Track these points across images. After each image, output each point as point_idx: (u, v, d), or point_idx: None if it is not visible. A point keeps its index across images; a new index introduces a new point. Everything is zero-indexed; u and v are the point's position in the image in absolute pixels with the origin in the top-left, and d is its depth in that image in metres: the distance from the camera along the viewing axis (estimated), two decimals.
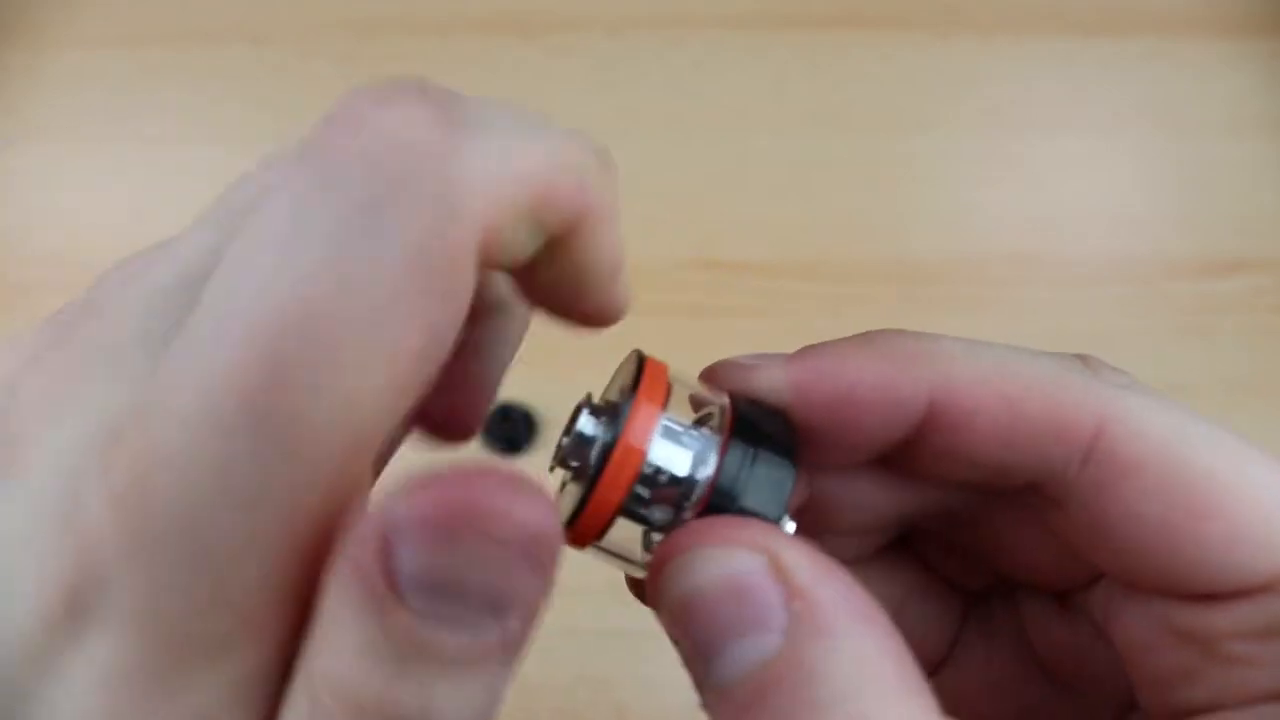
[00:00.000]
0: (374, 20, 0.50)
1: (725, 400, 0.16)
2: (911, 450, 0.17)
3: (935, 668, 0.20)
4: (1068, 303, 0.46)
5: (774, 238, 0.47)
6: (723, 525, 0.15)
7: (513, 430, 0.42)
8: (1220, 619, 0.16)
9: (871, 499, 0.19)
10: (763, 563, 0.14)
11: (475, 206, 0.12)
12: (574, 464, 0.15)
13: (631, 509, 0.15)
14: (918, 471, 0.18)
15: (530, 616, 0.12)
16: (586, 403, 0.16)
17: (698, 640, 0.14)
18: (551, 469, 0.16)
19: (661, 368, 0.16)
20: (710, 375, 0.18)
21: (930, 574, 0.21)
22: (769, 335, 0.45)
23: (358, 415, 0.12)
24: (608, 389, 0.17)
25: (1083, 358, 0.18)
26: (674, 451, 0.15)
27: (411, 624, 0.11)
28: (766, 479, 0.15)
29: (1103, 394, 0.16)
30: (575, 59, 0.49)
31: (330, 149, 0.12)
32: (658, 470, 0.15)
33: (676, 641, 0.15)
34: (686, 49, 0.50)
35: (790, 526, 0.16)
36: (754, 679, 0.13)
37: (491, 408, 0.19)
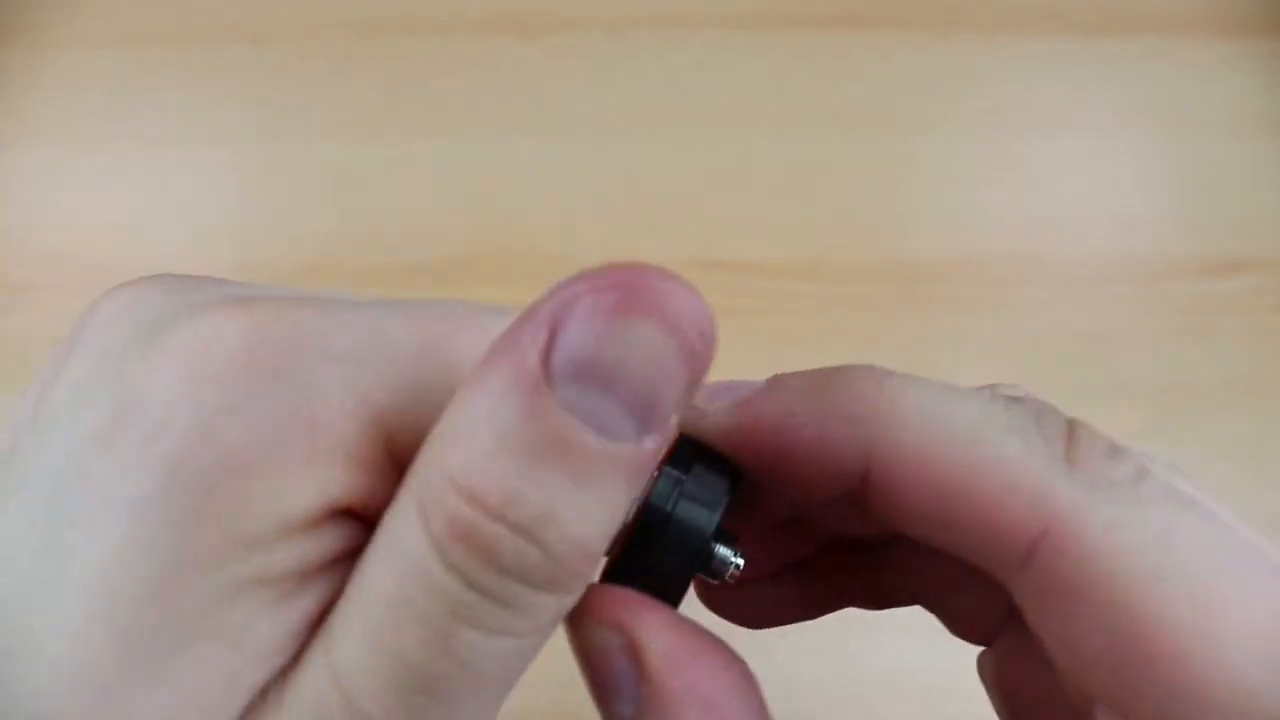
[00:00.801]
0: (374, 20, 0.50)
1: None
2: (858, 500, 0.17)
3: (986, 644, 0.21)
4: (1068, 303, 0.46)
5: (774, 238, 0.47)
6: (601, 599, 0.15)
7: None
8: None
9: (850, 520, 0.19)
10: (621, 644, 0.15)
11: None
12: None
13: None
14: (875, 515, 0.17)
15: (666, 436, 0.12)
16: None
17: (590, 688, 0.15)
18: None
19: None
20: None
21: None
22: (769, 335, 0.45)
23: None
24: None
25: (1071, 426, 0.15)
26: None
27: (558, 415, 0.11)
28: (699, 498, 0.16)
29: (1056, 492, 0.14)
30: (575, 59, 0.49)
31: None
32: None
33: None
34: (686, 49, 0.50)
35: (736, 559, 0.17)
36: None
37: None
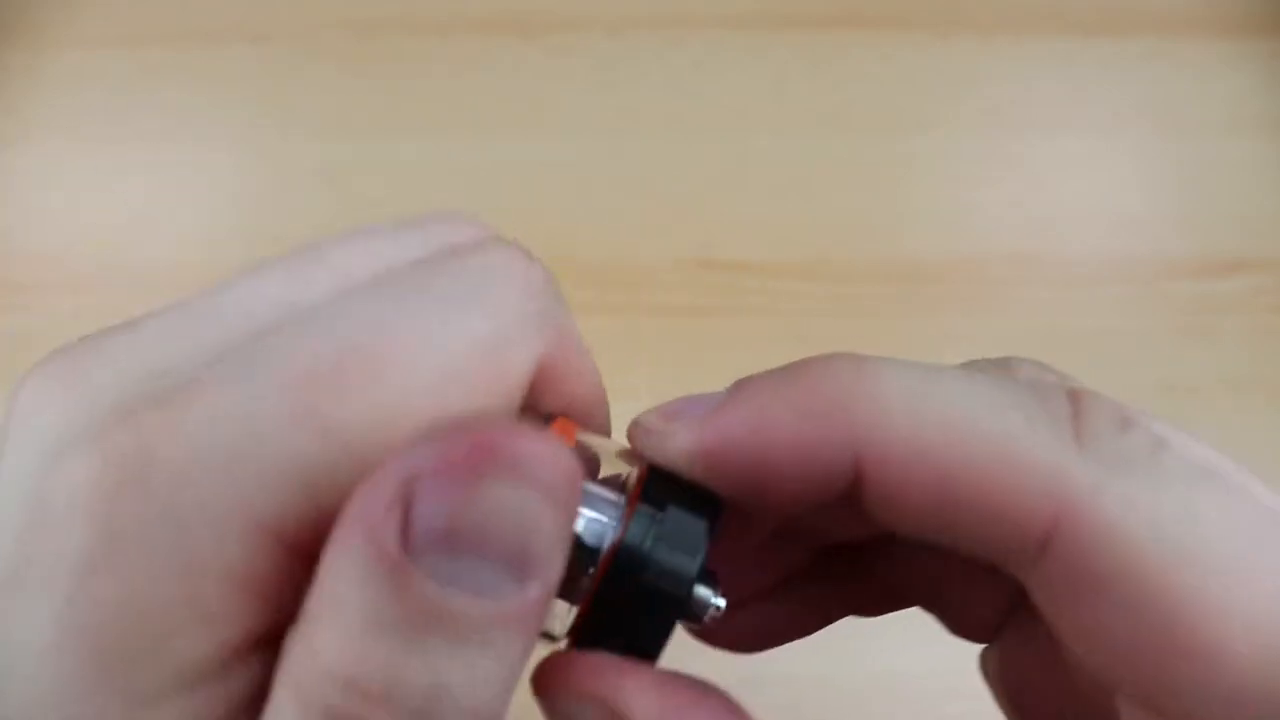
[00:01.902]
0: (374, 20, 0.50)
1: (628, 465, 0.16)
2: (852, 503, 0.15)
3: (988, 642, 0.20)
4: (1068, 303, 0.46)
5: (774, 238, 0.47)
6: (572, 668, 0.14)
7: None
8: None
9: (842, 524, 0.18)
10: (602, 716, 0.14)
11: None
12: None
13: None
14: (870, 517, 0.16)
15: (550, 581, 0.12)
16: None
17: None
18: None
19: (569, 428, 0.16)
20: (629, 436, 0.17)
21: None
22: (769, 335, 0.45)
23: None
24: None
25: (1075, 398, 0.14)
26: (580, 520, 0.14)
27: (426, 588, 0.11)
28: (678, 539, 0.14)
29: (1070, 472, 0.13)
30: (575, 59, 0.49)
31: None
32: None
33: None
34: (686, 49, 0.50)
35: (716, 600, 0.15)
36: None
37: None
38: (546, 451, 0.11)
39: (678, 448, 0.15)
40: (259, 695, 0.12)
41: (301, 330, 0.13)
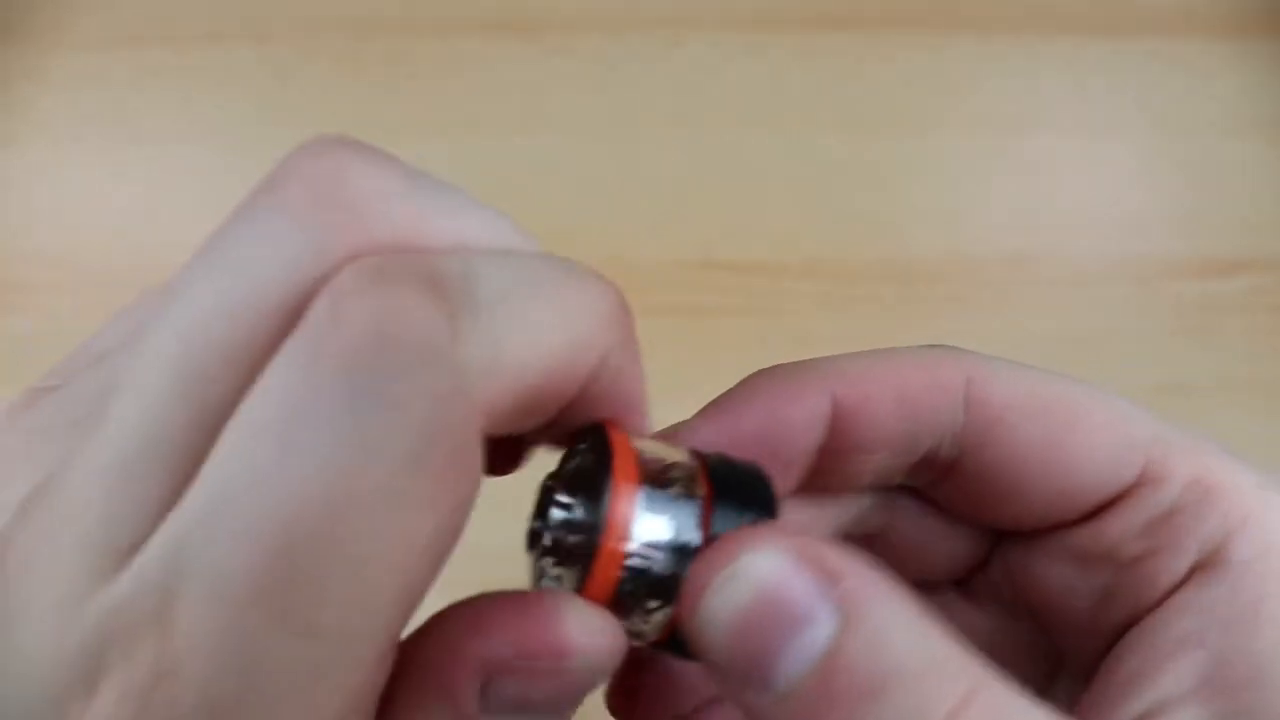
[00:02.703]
0: (374, 20, 0.50)
1: (686, 458, 0.16)
2: (825, 461, 0.18)
3: None
4: (1068, 303, 0.46)
5: (774, 238, 0.47)
6: (736, 539, 0.14)
7: None
8: (1107, 529, 0.18)
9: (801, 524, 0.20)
10: (792, 560, 0.14)
11: (478, 397, 0.12)
12: (556, 556, 0.15)
13: (626, 593, 0.15)
14: (832, 484, 0.19)
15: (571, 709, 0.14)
16: (555, 486, 0.16)
17: (751, 659, 0.14)
18: (533, 554, 0.16)
19: (624, 437, 0.16)
20: (665, 434, 0.18)
21: None
22: (769, 335, 0.45)
23: (375, 604, 0.12)
24: (563, 464, 0.16)
25: (936, 347, 0.19)
26: (661, 525, 0.15)
27: None
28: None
29: (963, 358, 0.18)
30: (575, 59, 0.49)
31: (325, 339, 0.12)
32: (649, 547, 0.15)
33: (724, 673, 0.14)
34: (686, 49, 0.50)
35: None
36: (815, 674, 0.13)
37: None
38: (607, 647, 0.14)
39: (707, 436, 0.18)
40: None
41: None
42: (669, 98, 0.49)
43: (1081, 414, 0.18)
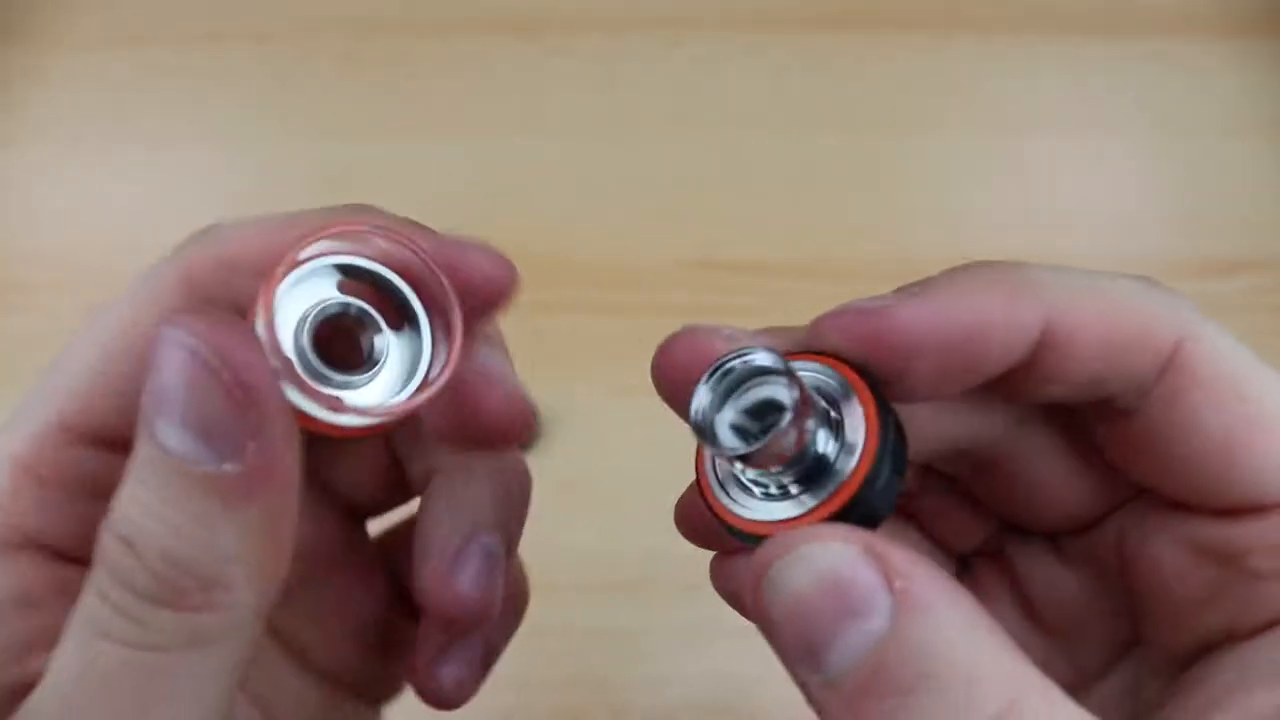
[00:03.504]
0: (374, 20, 0.50)
1: (840, 373, 0.17)
2: (1012, 375, 0.17)
3: None
4: None
5: (774, 238, 0.47)
6: (814, 530, 0.15)
7: None
8: (1245, 534, 0.17)
9: (926, 430, 0.19)
10: (858, 552, 0.14)
11: None
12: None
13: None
14: (1002, 395, 0.18)
15: (249, 463, 0.15)
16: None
17: (806, 639, 0.14)
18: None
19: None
20: (824, 330, 0.18)
21: (921, 538, 0.22)
22: None
23: None
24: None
25: (1147, 279, 0.19)
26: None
27: (149, 444, 0.15)
28: (891, 488, 0.16)
29: (1181, 313, 0.18)
30: (575, 59, 0.49)
31: None
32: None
33: (780, 645, 0.15)
34: (686, 49, 0.50)
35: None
36: (867, 663, 0.14)
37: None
38: (221, 333, 0.15)
39: (898, 325, 0.17)
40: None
41: None
42: (669, 98, 0.49)
43: (1273, 416, 0.17)
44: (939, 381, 0.17)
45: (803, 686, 0.15)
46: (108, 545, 0.15)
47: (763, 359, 0.16)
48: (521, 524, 0.21)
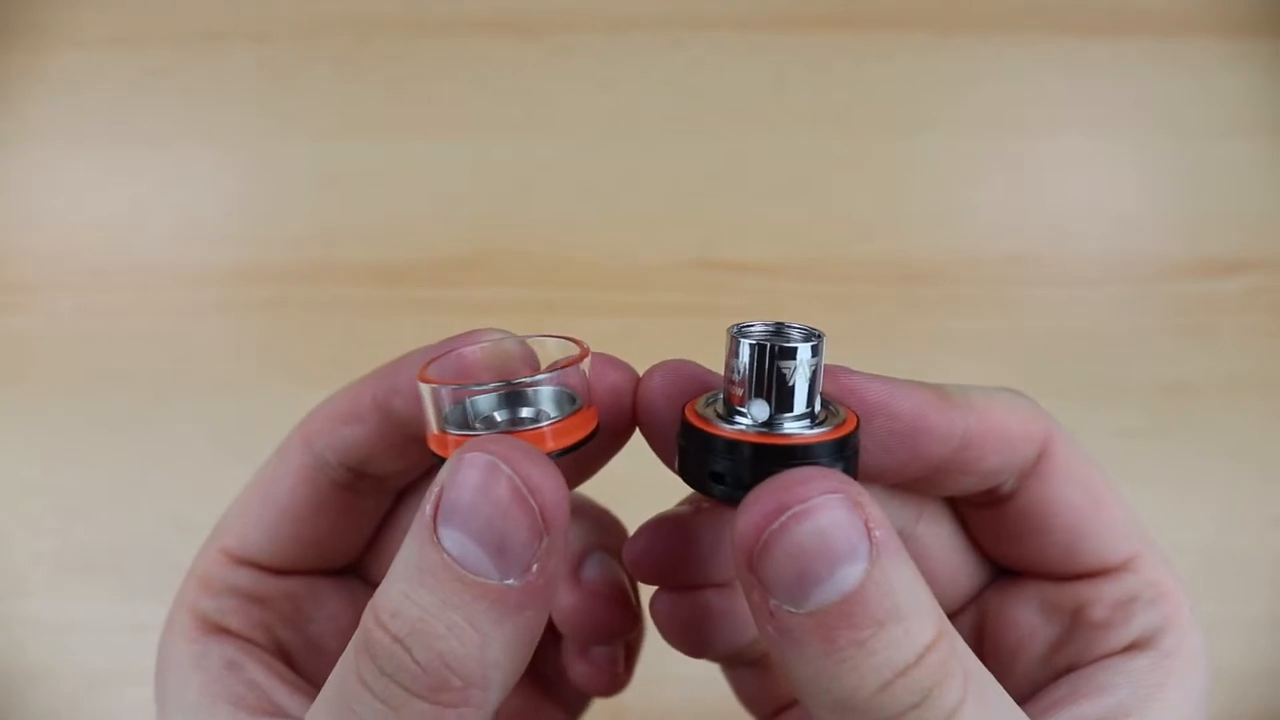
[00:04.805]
0: (374, 20, 0.50)
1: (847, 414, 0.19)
2: (935, 470, 0.21)
3: None
4: (1068, 303, 0.46)
5: (774, 238, 0.47)
6: (804, 477, 0.17)
7: None
8: (1088, 593, 0.22)
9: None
10: (851, 503, 0.17)
11: None
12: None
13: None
14: (919, 490, 0.22)
15: (530, 582, 0.17)
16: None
17: (795, 579, 0.16)
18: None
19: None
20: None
21: None
22: None
23: None
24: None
25: (1016, 390, 0.22)
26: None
27: (435, 549, 0.16)
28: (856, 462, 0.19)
29: (1043, 418, 0.22)
30: (575, 59, 0.49)
31: None
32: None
33: (767, 578, 0.17)
34: (686, 49, 0.50)
35: None
36: (840, 601, 0.16)
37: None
38: (537, 472, 0.17)
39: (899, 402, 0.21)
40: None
41: None
42: (669, 98, 0.49)
43: (1109, 497, 0.22)
44: (892, 472, 0.21)
45: (758, 607, 0.17)
46: (377, 637, 0.17)
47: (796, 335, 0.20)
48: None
